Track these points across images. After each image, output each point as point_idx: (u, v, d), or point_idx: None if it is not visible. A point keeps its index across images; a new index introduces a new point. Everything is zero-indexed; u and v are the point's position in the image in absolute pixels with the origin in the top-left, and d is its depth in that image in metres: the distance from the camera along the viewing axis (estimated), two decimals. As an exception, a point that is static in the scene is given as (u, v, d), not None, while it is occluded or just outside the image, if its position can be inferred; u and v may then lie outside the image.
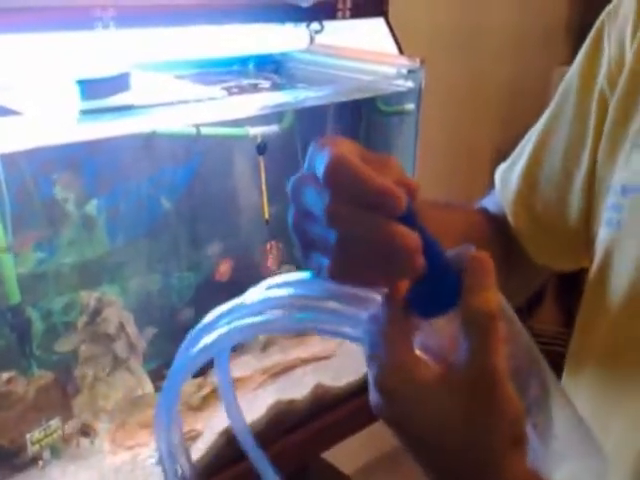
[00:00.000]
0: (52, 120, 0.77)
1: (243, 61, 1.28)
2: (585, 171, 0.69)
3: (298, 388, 1.17)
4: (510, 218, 0.76)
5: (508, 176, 0.77)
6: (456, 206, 0.79)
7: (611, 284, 0.64)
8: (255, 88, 1.11)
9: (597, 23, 0.69)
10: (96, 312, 1.04)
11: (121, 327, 1.06)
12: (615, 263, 0.64)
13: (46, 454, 0.96)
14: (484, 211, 0.81)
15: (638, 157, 0.62)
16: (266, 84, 1.14)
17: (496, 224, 0.77)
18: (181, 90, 0.96)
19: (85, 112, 0.79)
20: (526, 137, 0.77)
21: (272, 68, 1.31)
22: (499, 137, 2.05)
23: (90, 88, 0.79)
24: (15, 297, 0.96)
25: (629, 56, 0.64)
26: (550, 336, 2.19)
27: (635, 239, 0.61)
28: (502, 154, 2.22)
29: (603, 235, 0.65)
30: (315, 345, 1.29)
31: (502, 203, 0.77)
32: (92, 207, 1.05)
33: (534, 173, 0.74)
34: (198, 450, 1.02)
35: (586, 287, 0.68)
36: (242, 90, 1.07)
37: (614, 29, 0.67)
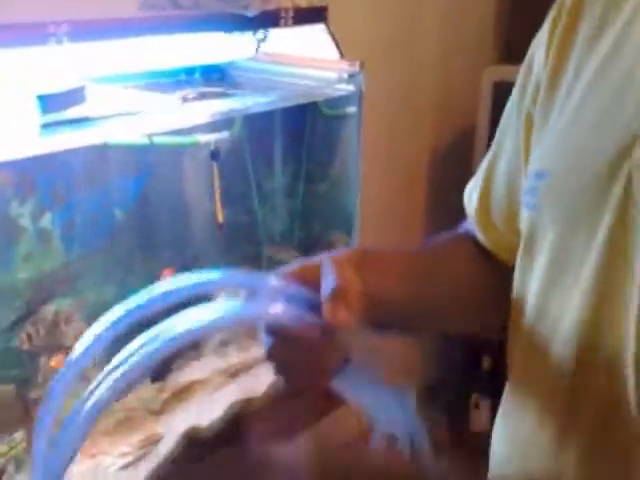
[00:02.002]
0: (16, 134, 0.76)
1: (189, 71, 1.27)
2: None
3: (256, 386, 1.17)
4: (478, 231, 0.78)
5: (470, 195, 0.80)
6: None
7: (532, 265, 0.66)
8: (206, 96, 1.11)
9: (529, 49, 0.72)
10: (54, 325, 1.02)
11: (79, 339, 1.04)
12: (535, 245, 0.66)
13: (10, 467, 0.95)
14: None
15: (549, 142, 0.65)
16: (215, 92, 1.14)
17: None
18: (136, 100, 0.95)
19: (46, 125, 0.78)
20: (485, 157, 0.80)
21: (218, 77, 1.31)
22: (433, 139, 2.09)
23: (49, 102, 0.78)
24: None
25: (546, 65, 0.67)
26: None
27: (550, 221, 0.64)
28: (438, 156, 2.26)
29: (524, 218, 0.68)
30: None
31: (470, 218, 0.80)
32: (47, 221, 1.04)
33: (487, 193, 0.78)
34: (159, 454, 1.02)
35: (515, 269, 0.70)
36: (195, 98, 1.07)
37: (536, 54, 0.70)
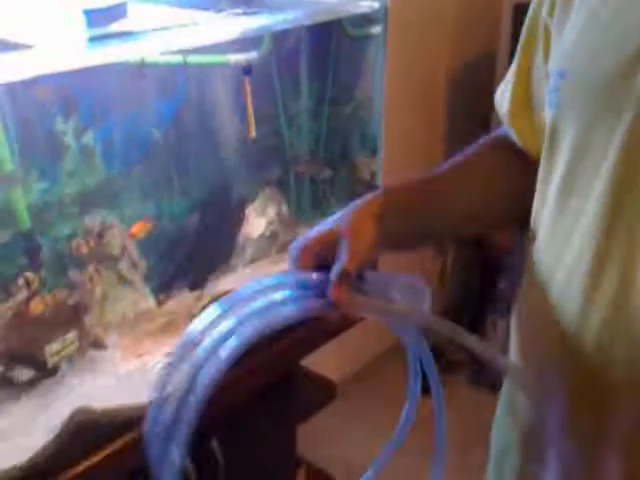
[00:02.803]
0: (65, 47, 0.79)
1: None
2: None
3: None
4: (511, 133, 0.82)
5: (501, 97, 0.84)
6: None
7: (555, 160, 0.70)
8: (237, 14, 1.13)
9: None
10: (100, 235, 1.08)
11: (124, 248, 1.10)
12: (557, 142, 0.70)
13: (64, 365, 1.02)
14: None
15: (569, 42, 0.68)
16: (245, 11, 1.16)
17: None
18: (173, 16, 0.98)
19: (92, 38, 0.82)
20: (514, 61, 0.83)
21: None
22: (455, 59, 2.11)
23: (94, 17, 0.82)
24: (25, 224, 1.00)
25: None
26: (505, 246, 2.28)
27: (572, 119, 0.67)
28: (459, 76, 2.26)
29: (547, 117, 0.71)
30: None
31: (502, 118, 0.83)
32: (89, 138, 1.08)
33: (517, 96, 0.81)
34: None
35: (540, 167, 0.74)
36: (228, 15, 1.10)
37: None
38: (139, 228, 1.14)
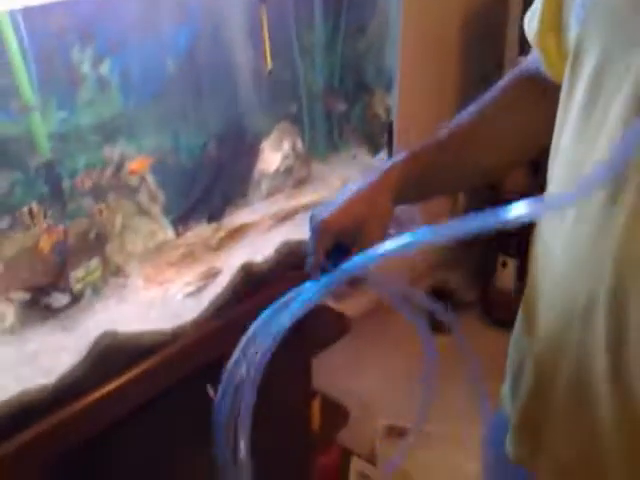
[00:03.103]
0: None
1: None
2: None
3: (302, 229, 1.24)
4: (540, 55, 0.82)
5: (530, 21, 0.83)
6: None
7: (576, 85, 0.70)
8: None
9: None
10: (119, 165, 1.09)
11: (142, 179, 1.11)
12: (579, 63, 0.69)
13: (88, 291, 1.04)
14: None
15: None
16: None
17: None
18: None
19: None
20: None
21: None
22: (469, 3, 2.08)
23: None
24: (46, 153, 1.01)
25: None
26: (519, 186, 2.28)
27: (595, 36, 0.67)
28: (473, 16, 2.23)
29: (572, 36, 0.71)
30: (314, 193, 1.36)
31: (530, 40, 0.83)
32: (105, 68, 1.08)
33: (547, 17, 0.80)
34: (219, 284, 1.10)
35: (561, 92, 0.74)
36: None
37: None
38: (138, 164, 1.14)
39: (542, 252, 0.80)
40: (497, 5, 2.08)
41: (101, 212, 1.06)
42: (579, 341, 0.71)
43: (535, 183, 2.22)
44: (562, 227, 0.73)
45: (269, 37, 1.24)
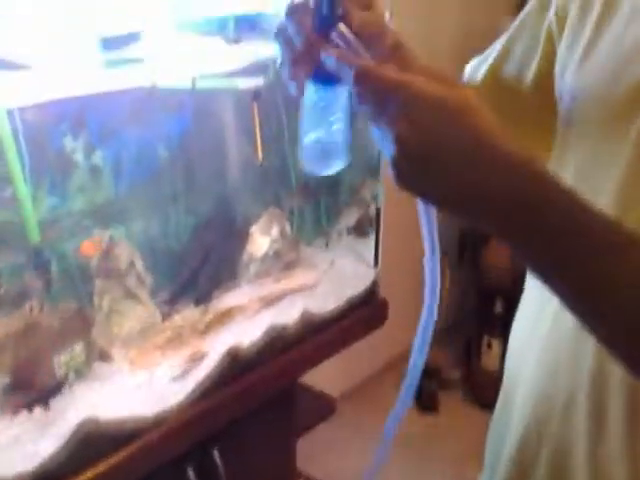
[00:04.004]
0: (82, 69, 0.81)
1: (223, 20, 1.31)
2: (534, 74, 0.78)
3: (289, 313, 1.24)
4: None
5: (477, 67, 0.86)
6: None
7: (570, 153, 0.72)
8: (245, 42, 1.15)
9: None
10: (108, 250, 1.09)
11: (131, 263, 1.11)
12: (566, 154, 0.72)
13: (72, 376, 1.02)
14: None
15: (579, 66, 0.70)
16: (252, 39, 1.18)
17: None
18: (184, 43, 1.00)
19: (107, 62, 0.83)
20: (499, 40, 0.86)
21: (249, 27, 1.34)
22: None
23: (109, 42, 0.83)
24: (35, 237, 1.01)
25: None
26: (501, 269, 2.29)
27: (583, 134, 0.69)
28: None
29: (559, 133, 0.73)
30: (301, 277, 1.36)
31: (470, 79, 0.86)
32: (98, 156, 1.10)
33: (499, 67, 0.84)
34: (205, 368, 1.08)
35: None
36: (235, 44, 1.12)
37: None
38: (88, 247, 1.10)
39: (517, 354, 0.80)
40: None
41: (89, 296, 1.06)
42: (559, 433, 0.71)
43: (515, 266, 2.23)
44: (537, 334, 0.74)
45: (261, 129, 1.26)
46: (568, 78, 0.71)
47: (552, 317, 0.73)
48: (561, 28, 0.73)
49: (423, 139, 0.52)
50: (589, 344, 0.66)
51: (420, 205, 0.61)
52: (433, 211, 0.61)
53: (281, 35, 0.65)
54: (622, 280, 0.49)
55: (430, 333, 0.67)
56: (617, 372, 0.64)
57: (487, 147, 0.52)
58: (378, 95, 0.54)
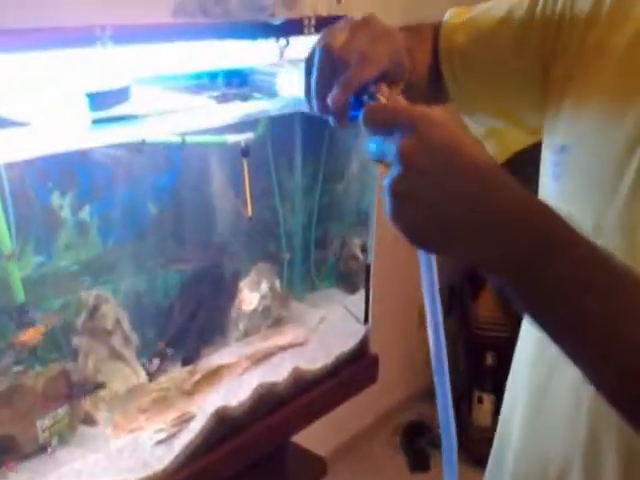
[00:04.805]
0: (69, 128, 0.80)
1: (212, 74, 1.31)
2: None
3: (278, 372, 1.21)
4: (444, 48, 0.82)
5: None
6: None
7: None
8: (233, 98, 1.14)
9: None
10: (94, 309, 1.06)
11: (117, 323, 1.08)
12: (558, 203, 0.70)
13: (54, 441, 0.98)
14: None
15: (571, 117, 0.69)
16: (242, 94, 1.18)
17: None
18: (173, 100, 0.99)
19: (95, 121, 0.82)
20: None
21: (240, 81, 1.34)
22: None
23: (97, 100, 0.82)
24: (20, 298, 0.98)
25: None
26: (491, 323, 2.27)
27: (575, 189, 0.68)
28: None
29: (547, 186, 0.72)
30: (290, 333, 1.33)
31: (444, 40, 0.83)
32: (85, 213, 1.08)
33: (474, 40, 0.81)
34: (192, 431, 1.05)
35: None
36: (224, 100, 1.11)
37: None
38: (30, 335, 1.02)
39: (508, 414, 0.78)
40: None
41: (74, 357, 1.02)
42: None
43: (505, 318, 2.21)
44: (527, 396, 0.72)
45: (251, 184, 1.25)
46: (560, 133, 0.70)
47: (546, 376, 0.71)
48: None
49: (428, 162, 0.51)
50: (583, 409, 0.64)
51: (421, 257, 0.59)
52: (434, 263, 0.59)
53: (316, 65, 0.65)
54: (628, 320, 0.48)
55: (449, 402, 0.65)
56: (612, 438, 0.63)
57: (493, 187, 0.50)
58: (391, 119, 0.54)
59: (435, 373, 0.65)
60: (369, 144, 0.57)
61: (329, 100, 0.62)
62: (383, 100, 0.60)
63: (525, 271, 0.49)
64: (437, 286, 0.62)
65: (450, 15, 0.83)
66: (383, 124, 0.55)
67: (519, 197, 0.50)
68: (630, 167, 0.61)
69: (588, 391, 0.61)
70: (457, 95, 0.82)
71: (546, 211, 0.50)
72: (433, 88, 0.80)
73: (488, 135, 0.85)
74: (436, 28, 0.82)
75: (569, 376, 0.66)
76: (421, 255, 0.59)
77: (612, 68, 0.64)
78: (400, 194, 0.52)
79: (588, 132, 0.66)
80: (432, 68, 0.80)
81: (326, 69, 0.63)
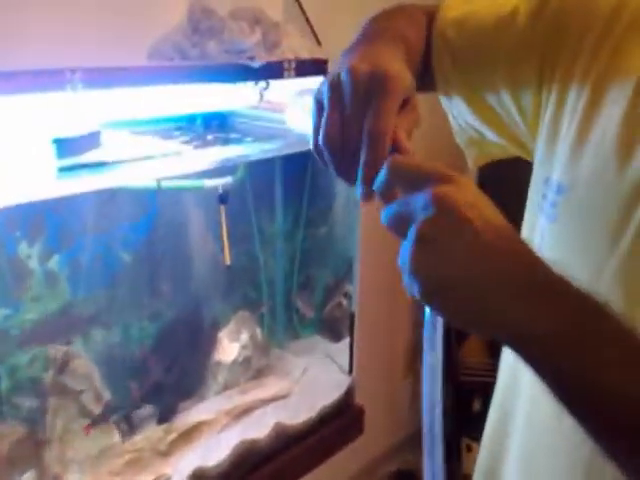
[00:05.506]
0: (33, 177, 0.76)
1: (190, 117, 1.28)
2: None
3: (259, 428, 1.16)
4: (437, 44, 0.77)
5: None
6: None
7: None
8: (210, 143, 1.12)
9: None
10: (63, 365, 1.01)
11: (88, 379, 1.03)
12: (548, 254, 0.66)
13: (19, 509, 0.92)
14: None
15: (567, 154, 0.65)
16: (219, 138, 1.15)
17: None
18: (146, 145, 0.96)
19: (62, 169, 0.78)
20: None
21: (218, 124, 1.32)
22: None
23: (65, 146, 0.78)
24: (-17, 353, 0.93)
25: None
26: (479, 368, 2.23)
27: (571, 231, 0.65)
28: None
29: (542, 227, 0.69)
30: (272, 385, 1.28)
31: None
32: (54, 262, 1.03)
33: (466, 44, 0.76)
34: (168, 494, 0.99)
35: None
36: (201, 145, 1.08)
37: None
38: None
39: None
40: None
41: (42, 416, 0.97)
42: None
43: (493, 363, 2.17)
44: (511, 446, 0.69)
45: (229, 229, 1.21)
46: (556, 169, 0.66)
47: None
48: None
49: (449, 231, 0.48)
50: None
51: (428, 318, 0.55)
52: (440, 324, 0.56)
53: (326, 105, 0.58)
54: None
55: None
56: None
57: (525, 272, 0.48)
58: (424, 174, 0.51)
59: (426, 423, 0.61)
60: (386, 209, 0.52)
61: (361, 179, 0.56)
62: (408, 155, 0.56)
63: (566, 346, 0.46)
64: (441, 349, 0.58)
65: (446, 5, 0.78)
66: (412, 180, 0.51)
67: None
68: (636, 215, 0.57)
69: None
70: (445, 91, 0.78)
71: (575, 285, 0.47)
72: (421, 75, 0.75)
73: (469, 144, 0.81)
74: (430, 16, 0.78)
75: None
76: (430, 317, 0.55)
77: (620, 108, 0.61)
78: (428, 237, 0.47)
79: (589, 174, 0.63)
80: (423, 58, 0.76)
81: (337, 123, 0.57)
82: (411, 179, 0.51)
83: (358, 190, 0.57)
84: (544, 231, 0.68)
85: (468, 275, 0.47)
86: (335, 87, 0.58)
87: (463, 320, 0.49)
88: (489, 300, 0.46)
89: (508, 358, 0.77)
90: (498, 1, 0.75)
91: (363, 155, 0.56)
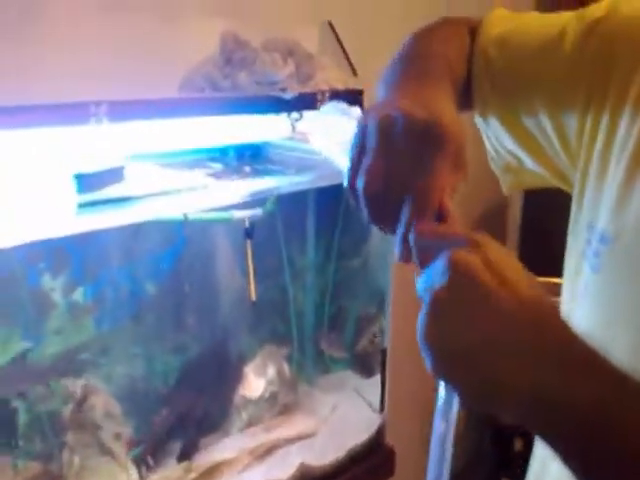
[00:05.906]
0: (51, 214, 0.75)
1: (223, 149, 1.27)
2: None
3: (283, 468, 1.13)
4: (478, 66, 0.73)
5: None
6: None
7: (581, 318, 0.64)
8: (241, 174, 1.10)
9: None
10: (82, 400, 1.00)
11: (107, 415, 1.02)
12: (591, 304, 0.64)
13: None
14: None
15: (612, 201, 0.61)
16: (250, 170, 1.13)
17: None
18: (172, 178, 0.94)
19: (82, 205, 0.77)
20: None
21: (251, 154, 1.30)
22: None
23: (86, 181, 0.77)
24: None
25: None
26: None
27: (617, 282, 0.61)
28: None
29: (585, 276, 0.65)
30: (298, 423, 1.25)
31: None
32: (78, 295, 1.02)
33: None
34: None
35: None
36: (230, 176, 1.06)
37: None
38: None
39: None
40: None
41: (59, 452, 0.95)
42: None
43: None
44: None
45: (257, 260, 1.18)
46: (602, 215, 0.62)
47: None
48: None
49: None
50: None
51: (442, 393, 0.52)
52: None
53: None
54: None
55: None
56: None
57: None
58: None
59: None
60: (419, 280, 0.49)
61: (400, 238, 0.53)
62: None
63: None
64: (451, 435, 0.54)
65: (490, 21, 0.75)
66: (436, 248, 0.48)
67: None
68: None
69: None
70: (482, 111, 0.74)
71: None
72: (461, 93, 0.71)
73: (506, 171, 0.78)
74: (474, 31, 0.75)
75: None
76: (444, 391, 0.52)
77: None
78: (442, 305, 0.45)
79: (637, 221, 0.59)
80: (466, 75, 0.73)
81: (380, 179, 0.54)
82: (435, 247, 0.48)
83: (396, 248, 0.54)
84: (588, 281, 0.64)
85: (483, 350, 0.43)
86: (384, 130, 0.54)
87: (475, 396, 0.45)
88: (504, 373, 0.43)
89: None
90: (545, 20, 0.72)
91: (406, 213, 0.52)
